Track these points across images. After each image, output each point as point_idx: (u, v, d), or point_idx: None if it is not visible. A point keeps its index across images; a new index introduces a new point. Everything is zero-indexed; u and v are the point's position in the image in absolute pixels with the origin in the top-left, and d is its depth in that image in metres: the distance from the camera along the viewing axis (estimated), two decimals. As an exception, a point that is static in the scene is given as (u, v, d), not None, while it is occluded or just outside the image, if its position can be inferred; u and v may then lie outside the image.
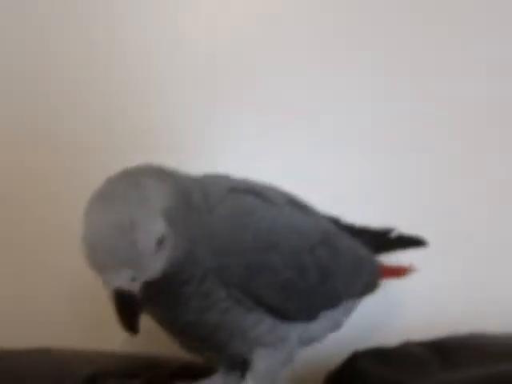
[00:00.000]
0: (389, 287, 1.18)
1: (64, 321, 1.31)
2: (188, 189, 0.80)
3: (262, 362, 0.90)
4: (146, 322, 0.79)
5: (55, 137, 1.34)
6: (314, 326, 0.95)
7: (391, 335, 1.12)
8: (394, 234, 1.14)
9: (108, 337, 1.17)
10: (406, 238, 1.14)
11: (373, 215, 1.19)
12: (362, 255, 1.05)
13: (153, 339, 1.12)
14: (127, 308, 0.72)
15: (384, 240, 1.14)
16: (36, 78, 1.37)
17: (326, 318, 0.96)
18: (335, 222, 1.08)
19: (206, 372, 0.98)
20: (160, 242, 0.72)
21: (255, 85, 1.36)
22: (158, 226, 0.72)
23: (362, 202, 1.31)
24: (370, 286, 1.06)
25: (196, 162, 1.28)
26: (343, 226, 1.08)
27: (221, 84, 1.35)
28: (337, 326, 1.01)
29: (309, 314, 0.93)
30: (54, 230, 1.32)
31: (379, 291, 1.08)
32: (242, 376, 0.92)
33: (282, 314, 0.89)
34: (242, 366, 0.92)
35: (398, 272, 1.15)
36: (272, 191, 0.94)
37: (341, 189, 1.32)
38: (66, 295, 1.33)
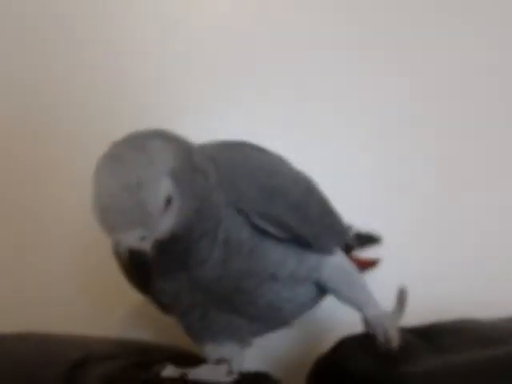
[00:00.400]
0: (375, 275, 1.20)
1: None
2: (191, 149, 0.82)
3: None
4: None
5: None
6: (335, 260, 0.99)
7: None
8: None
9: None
10: (363, 236, 1.18)
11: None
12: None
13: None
14: (139, 267, 0.76)
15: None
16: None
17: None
18: None
19: (197, 362, 0.97)
20: (168, 201, 0.75)
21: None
22: (164, 186, 0.74)
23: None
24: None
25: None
26: None
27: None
28: None
29: (325, 244, 0.96)
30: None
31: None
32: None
33: (304, 240, 0.91)
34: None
35: (366, 264, 1.17)
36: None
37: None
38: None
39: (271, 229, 0.86)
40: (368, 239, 1.19)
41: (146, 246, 0.74)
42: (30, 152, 1.37)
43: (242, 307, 0.93)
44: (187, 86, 1.38)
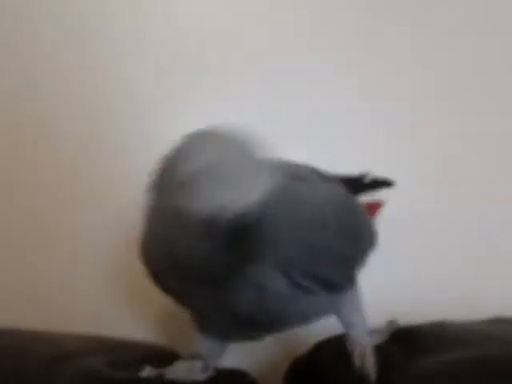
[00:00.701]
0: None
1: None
2: None
3: None
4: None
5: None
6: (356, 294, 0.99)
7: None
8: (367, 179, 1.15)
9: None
10: (378, 181, 1.15)
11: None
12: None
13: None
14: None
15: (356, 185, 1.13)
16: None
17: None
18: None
19: (173, 358, 0.98)
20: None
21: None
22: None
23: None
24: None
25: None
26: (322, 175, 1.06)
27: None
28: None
29: (351, 281, 0.96)
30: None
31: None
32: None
33: (335, 286, 0.90)
34: None
35: (374, 208, 1.16)
36: (301, 168, 0.95)
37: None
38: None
39: (313, 285, 0.85)
40: (381, 183, 1.17)
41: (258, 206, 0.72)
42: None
43: (262, 329, 0.93)
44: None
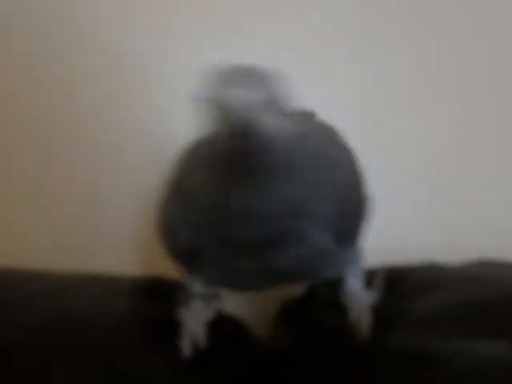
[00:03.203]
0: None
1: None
2: None
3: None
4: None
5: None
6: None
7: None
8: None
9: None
10: None
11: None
12: None
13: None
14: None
15: None
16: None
17: None
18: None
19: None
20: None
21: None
22: None
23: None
24: None
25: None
26: None
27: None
28: None
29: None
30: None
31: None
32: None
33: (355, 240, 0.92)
34: None
35: None
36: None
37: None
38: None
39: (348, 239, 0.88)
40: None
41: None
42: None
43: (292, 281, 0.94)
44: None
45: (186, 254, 0.84)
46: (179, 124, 1.14)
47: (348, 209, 0.86)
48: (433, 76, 1.33)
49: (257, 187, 0.73)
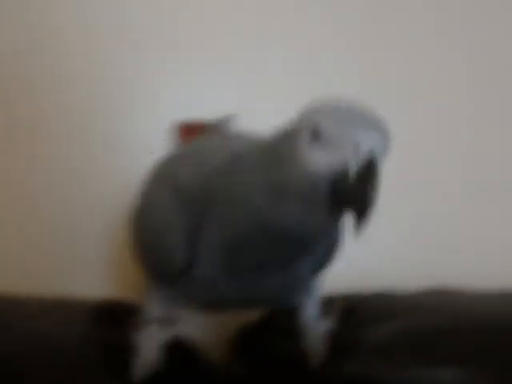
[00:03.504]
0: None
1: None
2: None
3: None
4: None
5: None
6: None
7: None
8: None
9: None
10: None
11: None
12: None
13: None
14: (375, 176, 0.69)
15: None
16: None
17: None
18: None
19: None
20: None
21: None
22: None
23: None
24: None
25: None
26: None
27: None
28: None
29: None
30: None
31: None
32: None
33: None
34: None
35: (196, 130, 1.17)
36: None
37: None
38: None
39: None
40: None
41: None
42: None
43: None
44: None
45: (177, 266, 0.83)
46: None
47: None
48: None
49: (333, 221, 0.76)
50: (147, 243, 0.89)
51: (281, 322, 1.04)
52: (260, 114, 1.21)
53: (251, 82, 1.35)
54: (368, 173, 0.68)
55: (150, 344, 0.91)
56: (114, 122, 1.33)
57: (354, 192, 0.69)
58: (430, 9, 1.39)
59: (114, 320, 1.02)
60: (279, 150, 0.74)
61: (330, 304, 1.02)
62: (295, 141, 0.72)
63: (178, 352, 0.96)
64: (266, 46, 1.35)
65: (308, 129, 0.71)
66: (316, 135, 0.70)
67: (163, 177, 0.90)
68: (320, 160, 0.70)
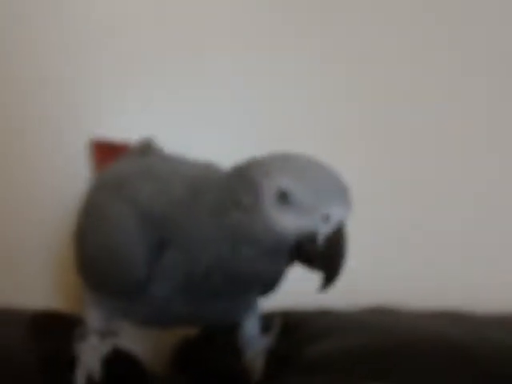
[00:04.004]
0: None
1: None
2: None
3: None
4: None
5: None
6: None
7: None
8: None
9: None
10: None
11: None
12: None
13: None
14: (344, 245, 0.73)
15: None
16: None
17: None
18: None
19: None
20: None
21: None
22: None
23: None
24: None
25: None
26: None
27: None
28: None
29: None
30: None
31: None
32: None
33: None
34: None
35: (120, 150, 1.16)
36: None
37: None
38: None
39: None
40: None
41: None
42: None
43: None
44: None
45: (136, 281, 0.83)
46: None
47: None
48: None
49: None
50: (101, 256, 0.87)
51: (221, 337, 1.05)
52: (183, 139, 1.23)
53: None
54: (336, 240, 0.72)
55: (90, 355, 0.90)
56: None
57: (322, 256, 0.72)
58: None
59: (53, 331, 1.02)
60: (240, 197, 0.75)
61: (269, 320, 1.04)
62: (259, 196, 0.73)
63: (119, 364, 0.97)
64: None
65: (274, 188, 0.72)
66: (284, 198, 0.72)
67: (117, 188, 0.89)
68: (287, 222, 0.72)
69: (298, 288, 1.27)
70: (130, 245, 0.82)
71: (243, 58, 1.37)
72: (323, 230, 0.71)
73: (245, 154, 0.84)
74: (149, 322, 0.94)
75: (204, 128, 1.35)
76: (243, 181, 0.75)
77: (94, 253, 0.88)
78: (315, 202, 0.71)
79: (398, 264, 1.40)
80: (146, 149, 1.11)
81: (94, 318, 0.95)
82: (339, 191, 0.73)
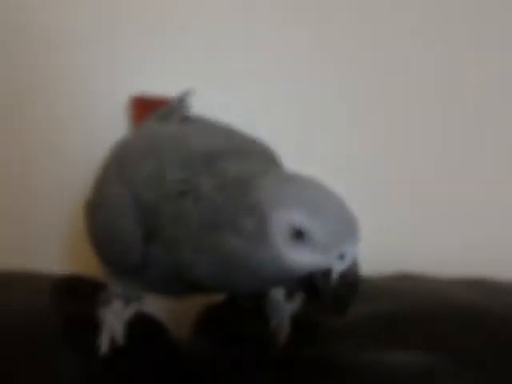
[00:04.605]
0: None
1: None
2: None
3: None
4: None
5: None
6: None
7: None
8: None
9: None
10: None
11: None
12: None
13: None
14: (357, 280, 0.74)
15: None
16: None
17: None
18: None
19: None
20: None
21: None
22: None
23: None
24: None
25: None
26: None
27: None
28: None
29: None
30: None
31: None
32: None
33: None
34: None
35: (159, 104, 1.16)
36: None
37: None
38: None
39: None
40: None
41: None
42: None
43: None
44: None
45: (132, 264, 0.83)
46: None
47: None
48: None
49: None
50: (102, 235, 0.88)
51: (246, 303, 1.04)
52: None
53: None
54: (351, 276, 0.73)
55: (114, 320, 0.91)
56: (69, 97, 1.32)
57: (334, 291, 0.73)
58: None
59: (77, 295, 1.02)
60: (240, 220, 0.72)
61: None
62: (266, 226, 0.70)
63: (143, 328, 0.97)
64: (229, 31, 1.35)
65: (286, 223, 0.70)
66: (298, 235, 0.70)
67: (119, 168, 0.88)
68: (300, 258, 0.71)
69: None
70: (124, 229, 0.82)
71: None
72: (338, 267, 0.71)
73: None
74: (163, 293, 0.94)
75: (242, 85, 1.34)
76: (243, 202, 0.72)
77: (96, 230, 0.90)
78: (331, 241, 0.70)
79: (424, 232, 1.40)
80: (182, 104, 1.11)
81: (115, 284, 0.95)
82: (353, 229, 0.72)
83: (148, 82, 1.29)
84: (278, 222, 0.70)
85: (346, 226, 0.72)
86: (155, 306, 1.06)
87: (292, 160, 0.95)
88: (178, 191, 0.78)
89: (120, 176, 0.86)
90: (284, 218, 0.70)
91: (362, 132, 1.38)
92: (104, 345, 0.87)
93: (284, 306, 0.96)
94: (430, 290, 1.05)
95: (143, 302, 0.98)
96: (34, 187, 1.32)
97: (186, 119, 1.07)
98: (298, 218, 0.70)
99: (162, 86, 1.25)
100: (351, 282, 0.73)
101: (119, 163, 0.90)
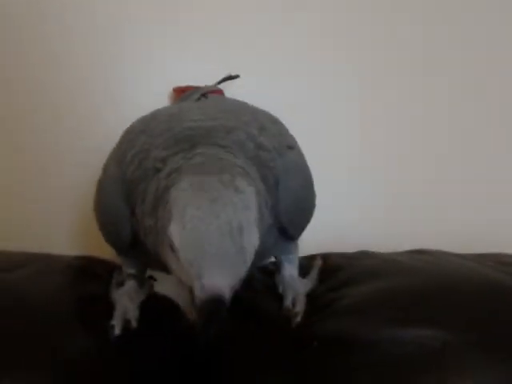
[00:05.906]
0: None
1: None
2: (260, 190, 0.76)
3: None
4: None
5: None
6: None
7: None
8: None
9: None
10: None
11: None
12: None
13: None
14: (217, 316, 0.65)
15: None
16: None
17: None
18: None
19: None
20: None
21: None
22: (255, 236, 0.68)
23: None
24: None
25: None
26: None
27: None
28: None
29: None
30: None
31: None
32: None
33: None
34: None
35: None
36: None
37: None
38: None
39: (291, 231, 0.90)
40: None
41: (229, 295, 0.66)
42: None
43: None
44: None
45: (124, 243, 0.85)
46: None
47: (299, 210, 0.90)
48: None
49: None
50: (100, 213, 0.91)
51: (260, 282, 1.05)
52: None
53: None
54: (207, 311, 0.65)
55: (129, 299, 0.92)
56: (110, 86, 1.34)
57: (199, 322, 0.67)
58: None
59: (90, 275, 1.03)
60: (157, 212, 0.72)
61: (309, 263, 1.03)
62: (163, 230, 0.69)
63: (157, 307, 0.97)
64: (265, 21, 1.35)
65: (168, 235, 0.67)
66: (172, 248, 0.67)
67: (117, 148, 0.90)
68: (174, 266, 0.69)
69: (338, 232, 1.29)
70: (113, 205, 0.84)
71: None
72: (197, 293, 0.65)
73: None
74: (162, 270, 0.92)
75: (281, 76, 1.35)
76: (164, 197, 0.71)
77: (96, 208, 0.92)
78: (192, 264, 0.65)
79: (439, 209, 1.39)
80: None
81: (128, 265, 0.96)
82: (218, 258, 0.65)
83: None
84: (164, 230, 0.68)
85: (211, 256, 0.65)
86: (168, 285, 1.06)
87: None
88: (155, 168, 0.78)
89: (116, 155, 0.88)
90: (168, 229, 0.67)
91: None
92: (117, 325, 0.87)
93: (298, 284, 0.97)
94: (447, 267, 1.04)
95: (156, 282, 0.98)
96: (49, 174, 1.33)
97: (203, 97, 1.09)
98: (172, 233, 0.66)
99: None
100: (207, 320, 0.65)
101: (118, 143, 0.91)
